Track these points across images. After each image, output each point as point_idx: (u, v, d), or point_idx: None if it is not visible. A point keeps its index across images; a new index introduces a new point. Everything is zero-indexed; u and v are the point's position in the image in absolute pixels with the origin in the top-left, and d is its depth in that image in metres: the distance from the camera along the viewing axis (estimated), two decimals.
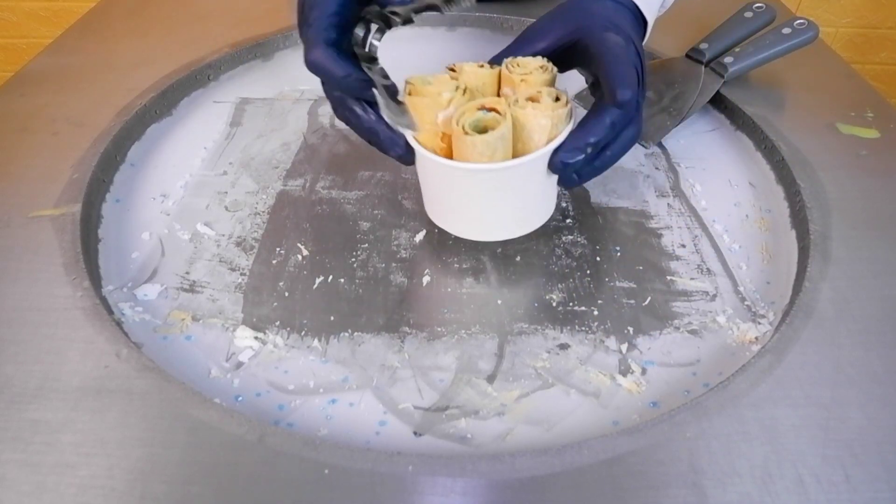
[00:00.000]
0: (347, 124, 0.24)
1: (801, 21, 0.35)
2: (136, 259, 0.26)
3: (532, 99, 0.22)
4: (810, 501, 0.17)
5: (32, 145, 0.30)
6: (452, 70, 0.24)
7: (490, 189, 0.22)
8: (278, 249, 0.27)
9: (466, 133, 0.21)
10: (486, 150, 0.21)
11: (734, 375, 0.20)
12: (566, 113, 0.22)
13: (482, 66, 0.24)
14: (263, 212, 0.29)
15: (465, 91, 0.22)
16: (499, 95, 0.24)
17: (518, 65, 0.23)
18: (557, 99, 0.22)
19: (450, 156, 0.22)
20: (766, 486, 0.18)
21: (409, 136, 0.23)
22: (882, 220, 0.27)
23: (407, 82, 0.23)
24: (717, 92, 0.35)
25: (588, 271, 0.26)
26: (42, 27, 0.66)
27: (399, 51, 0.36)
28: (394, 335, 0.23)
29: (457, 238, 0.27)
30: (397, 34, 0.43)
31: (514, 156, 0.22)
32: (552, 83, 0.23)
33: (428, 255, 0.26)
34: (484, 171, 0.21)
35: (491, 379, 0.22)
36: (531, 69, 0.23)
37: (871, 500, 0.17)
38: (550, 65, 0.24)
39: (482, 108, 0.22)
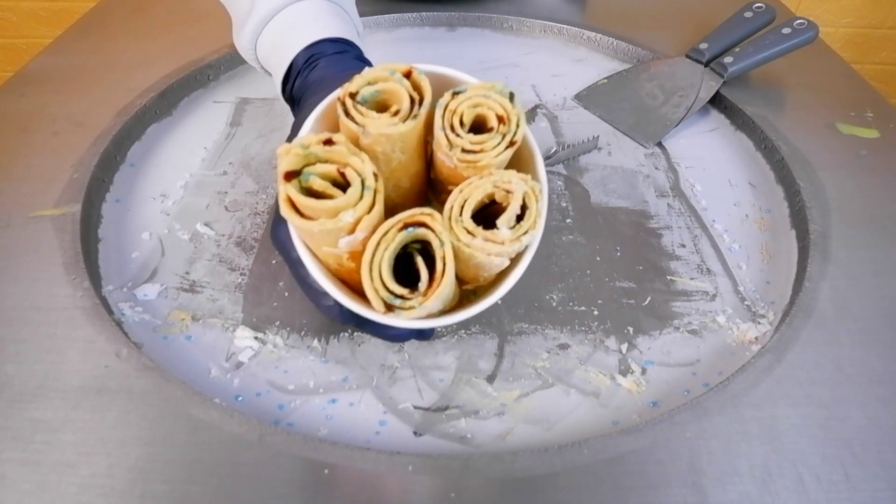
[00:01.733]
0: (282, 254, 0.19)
1: (801, 21, 0.35)
2: (136, 259, 0.26)
3: (483, 211, 0.15)
4: (810, 501, 0.17)
5: (32, 145, 0.30)
6: (351, 119, 0.15)
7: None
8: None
9: (388, 290, 0.14)
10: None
11: (734, 375, 0.20)
12: (536, 233, 0.15)
13: (395, 113, 0.15)
14: (263, 212, 0.29)
15: (374, 191, 0.14)
16: (427, 145, 0.16)
17: (460, 117, 0.15)
18: (523, 209, 0.15)
19: (351, 273, 0.16)
20: (766, 486, 0.18)
21: (327, 284, 0.16)
22: (882, 219, 0.27)
23: (282, 177, 0.14)
24: (717, 92, 0.35)
25: (588, 271, 0.26)
26: (42, 27, 0.66)
27: (399, 51, 0.36)
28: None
29: None
30: (397, 34, 0.43)
31: (459, 278, 0.16)
32: (505, 161, 0.15)
33: None
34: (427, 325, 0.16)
35: (491, 379, 0.22)
36: (481, 140, 0.15)
37: (870, 499, 0.17)
38: (509, 106, 0.15)
39: (405, 224, 0.15)
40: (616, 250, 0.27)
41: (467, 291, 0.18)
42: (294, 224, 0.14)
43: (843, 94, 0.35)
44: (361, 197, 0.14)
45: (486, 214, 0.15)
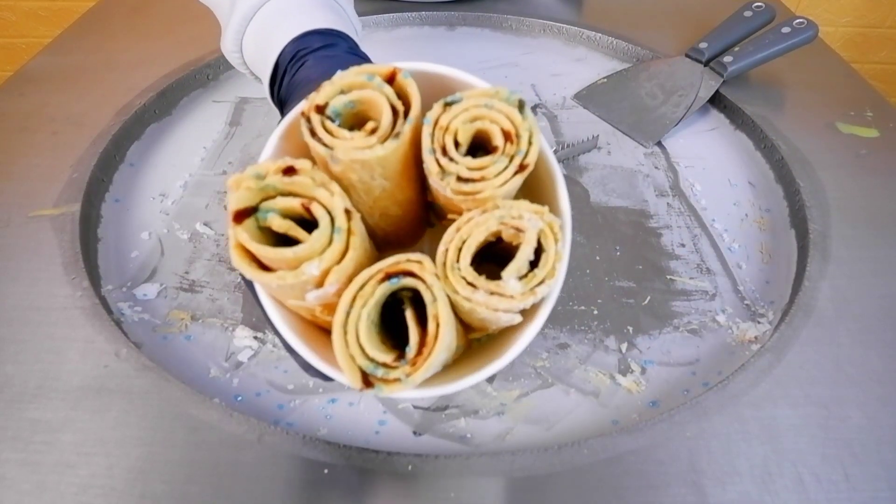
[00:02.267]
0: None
1: (801, 20, 0.35)
2: (136, 259, 0.26)
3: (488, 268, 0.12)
4: (810, 500, 0.17)
5: (32, 145, 0.30)
6: (318, 140, 0.11)
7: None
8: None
9: (368, 357, 0.11)
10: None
11: (734, 375, 0.20)
12: (554, 283, 0.12)
13: (373, 130, 0.12)
14: None
15: (347, 233, 0.11)
16: (420, 164, 0.12)
17: (454, 134, 0.12)
18: (538, 251, 0.12)
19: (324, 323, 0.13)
20: (766, 486, 0.18)
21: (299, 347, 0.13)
22: (882, 219, 0.27)
23: (231, 217, 0.11)
24: (717, 91, 0.35)
25: (587, 270, 0.26)
26: (41, 27, 0.66)
27: (398, 50, 0.36)
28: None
29: None
30: (397, 34, 0.43)
31: (464, 324, 0.13)
32: (513, 190, 0.12)
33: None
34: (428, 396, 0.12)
35: (490, 378, 0.22)
36: (480, 166, 0.12)
37: (870, 499, 0.17)
38: (518, 118, 0.12)
39: (387, 275, 0.12)
40: (616, 250, 0.27)
41: (473, 340, 0.14)
42: (249, 277, 0.11)
43: (843, 94, 0.35)
44: (330, 242, 0.11)
45: (494, 252, 0.12)
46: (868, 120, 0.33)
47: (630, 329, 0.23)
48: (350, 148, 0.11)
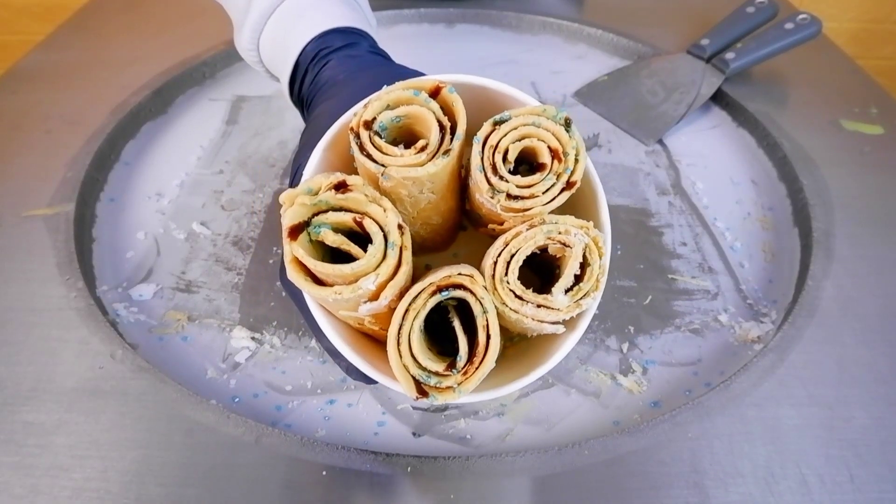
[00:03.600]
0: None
1: (804, 16, 0.34)
2: (131, 259, 0.26)
3: (532, 283, 0.12)
4: (814, 502, 0.17)
5: (25, 144, 0.29)
6: (368, 157, 0.12)
7: None
8: (275, 249, 0.26)
9: (420, 366, 0.12)
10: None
11: (736, 375, 0.20)
12: (598, 295, 0.12)
13: (422, 148, 0.12)
14: (260, 211, 0.28)
15: (401, 247, 0.12)
16: (460, 174, 0.13)
17: (504, 151, 0.12)
18: (584, 266, 0.12)
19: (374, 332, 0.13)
20: (769, 487, 0.17)
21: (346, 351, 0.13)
22: (886, 217, 0.26)
23: (287, 234, 0.11)
24: (719, 88, 0.34)
25: None
26: (35, 23, 0.65)
27: (398, 48, 0.36)
28: None
29: None
30: (396, 31, 0.43)
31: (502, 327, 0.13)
32: (555, 209, 0.12)
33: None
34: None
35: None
36: (530, 184, 0.12)
37: (875, 500, 0.17)
38: (565, 137, 0.12)
39: (438, 288, 0.12)
40: (616, 249, 0.27)
41: (508, 341, 0.15)
42: (305, 291, 0.12)
43: (847, 91, 0.34)
44: (384, 257, 0.11)
45: (537, 263, 0.13)
46: (873, 117, 0.32)
47: (631, 329, 0.23)
48: (402, 166, 0.12)
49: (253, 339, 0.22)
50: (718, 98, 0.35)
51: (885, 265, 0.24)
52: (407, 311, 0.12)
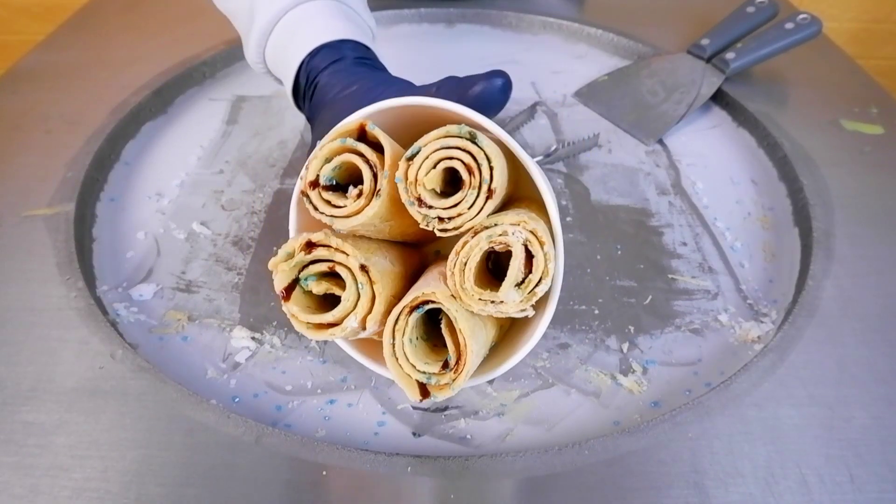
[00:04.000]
0: None
1: (804, 16, 0.34)
2: (131, 259, 0.26)
3: (482, 282, 0.14)
4: (814, 502, 0.17)
5: (25, 144, 0.29)
6: (321, 213, 0.14)
7: None
8: (275, 248, 0.26)
9: (419, 371, 0.14)
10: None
11: (736, 375, 0.20)
12: (552, 278, 0.14)
13: (359, 195, 0.14)
14: (260, 210, 0.28)
15: (370, 282, 0.14)
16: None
17: (424, 186, 0.14)
18: (531, 254, 0.13)
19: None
20: (770, 487, 0.17)
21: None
22: (886, 217, 0.26)
23: (281, 298, 0.14)
24: (719, 88, 0.34)
25: (588, 270, 0.26)
26: (35, 23, 0.65)
27: (397, 49, 0.36)
28: None
29: None
30: (396, 31, 0.43)
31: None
32: (503, 185, 0.14)
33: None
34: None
35: (490, 379, 0.21)
36: (456, 202, 0.13)
37: (876, 501, 0.17)
38: (488, 166, 0.13)
39: (411, 309, 0.14)
40: (617, 249, 0.27)
41: (502, 322, 0.17)
42: (313, 338, 0.14)
43: (847, 90, 0.34)
44: (359, 295, 0.13)
45: (501, 262, 0.14)
46: (873, 117, 0.32)
47: (631, 329, 0.23)
48: (345, 217, 0.14)
49: (253, 339, 0.22)
50: (718, 98, 0.35)
51: (885, 265, 0.24)
52: (394, 331, 0.14)
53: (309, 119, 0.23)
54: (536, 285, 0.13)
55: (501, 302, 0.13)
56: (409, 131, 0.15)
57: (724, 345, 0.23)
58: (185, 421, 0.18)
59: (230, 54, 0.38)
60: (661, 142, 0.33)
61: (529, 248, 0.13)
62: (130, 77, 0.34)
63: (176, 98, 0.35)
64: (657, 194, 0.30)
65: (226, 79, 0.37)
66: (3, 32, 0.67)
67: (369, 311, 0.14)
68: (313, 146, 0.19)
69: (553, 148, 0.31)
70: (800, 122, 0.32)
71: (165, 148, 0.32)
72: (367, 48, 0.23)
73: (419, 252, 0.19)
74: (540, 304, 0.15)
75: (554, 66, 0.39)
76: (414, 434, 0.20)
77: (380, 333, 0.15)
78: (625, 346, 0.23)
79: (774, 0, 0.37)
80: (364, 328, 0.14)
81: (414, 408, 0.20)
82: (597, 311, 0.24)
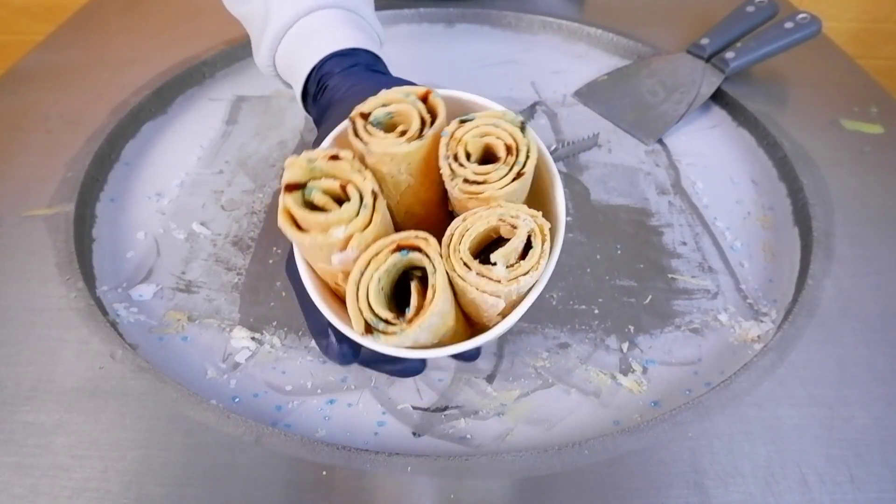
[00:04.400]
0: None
1: (804, 15, 0.34)
2: (131, 259, 0.26)
3: (480, 247, 0.14)
4: (814, 502, 0.17)
5: (25, 144, 0.29)
6: (359, 138, 0.14)
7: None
8: (275, 249, 0.26)
9: (380, 320, 0.13)
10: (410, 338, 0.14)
11: (736, 374, 0.20)
12: (538, 275, 0.14)
13: (403, 132, 0.14)
14: (260, 211, 0.28)
15: (372, 210, 0.14)
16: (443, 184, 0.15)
17: (465, 147, 0.14)
18: (528, 246, 0.14)
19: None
20: (769, 486, 0.17)
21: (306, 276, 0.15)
22: (886, 216, 0.26)
23: (284, 188, 0.14)
24: (719, 88, 0.34)
25: (588, 269, 0.26)
26: (34, 23, 0.65)
27: (397, 49, 0.36)
28: None
29: None
30: (395, 31, 0.43)
31: (466, 315, 0.15)
32: (523, 193, 0.15)
33: None
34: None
35: (490, 378, 0.21)
36: (485, 171, 0.14)
37: (875, 500, 0.17)
38: (519, 136, 0.14)
39: (398, 248, 0.14)
40: (616, 248, 0.27)
41: (475, 332, 0.16)
42: (288, 235, 0.14)
43: (847, 90, 0.34)
44: (357, 214, 0.13)
45: (498, 249, 0.14)
46: (873, 116, 0.32)
47: (631, 328, 0.23)
48: (383, 143, 0.14)
49: (253, 339, 0.22)
50: (718, 98, 0.35)
51: (886, 264, 0.24)
52: (369, 262, 0.14)
53: (316, 122, 0.23)
54: (524, 274, 0.14)
55: (482, 275, 0.14)
56: (431, 163, 0.16)
57: (724, 344, 0.23)
58: (185, 421, 0.18)
59: (230, 54, 0.37)
60: (660, 141, 0.33)
61: (532, 239, 0.14)
62: (130, 77, 0.34)
63: (176, 98, 0.35)
64: (657, 194, 0.30)
65: (226, 79, 0.37)
66: (3, 32, 0.67)
67: (360, 231, 0.13)
68: (317, 144, 0.20)
69: (553, 148, 0.31)
70: (800, 122, 0.32)
71: (165, 148, 0.32)
72: (377, 57, 0.24)
73: None
74: (513, 305, 0.15)
75: (554, 66, 0.39)
76: (414, 434, 0.20)
77: (347, 276, 0.14)
78: (625, 346, 0.23)
79: (774, 0, 0.36)
80: (344, 248, 0.13)
81: (414, 408, 0.20)
82: (597, 311, 0.24)
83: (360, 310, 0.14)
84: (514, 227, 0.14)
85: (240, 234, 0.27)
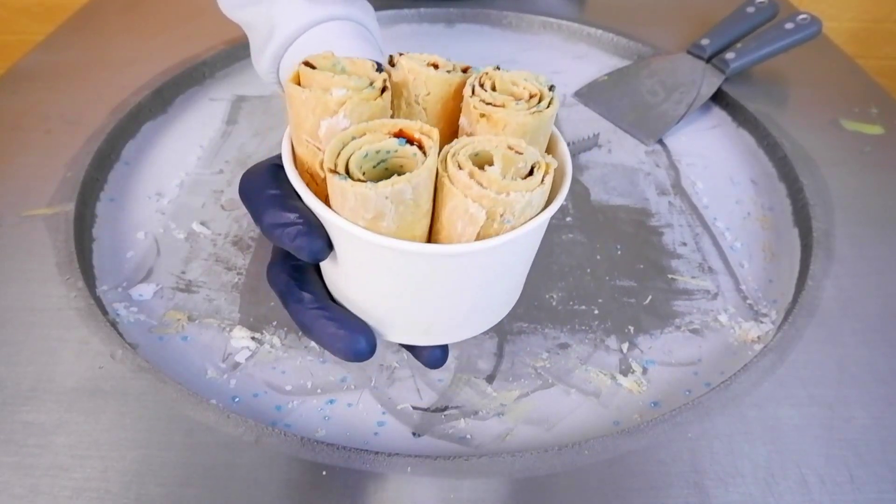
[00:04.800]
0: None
1: (804, 16, 0.34)
2: (131, 258, 0.26)
3: (479, 160, 0.13)
4: (814, 502, 0.17)
5: (25, 144, 0.29)
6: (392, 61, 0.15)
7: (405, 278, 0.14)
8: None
9: (347, 175, 0.12)
10: (369, 209, 0.12)
11: (736, 375, 0.20)
12: (530, 201, 0.13)
13: (437, 66, 0.15)
14: None
15: (381, 92, 0.13)
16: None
17: (493, 82, 0.15)
18: (531, 173, 0.13)
19: (323, 195, 0.14)
20: (769, 487, 0.17)
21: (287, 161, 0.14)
22: (886, 217, 0.26)
23: (304, 63, 0.14)
24: (719, 88, 0.34)
25: (588, 270, 0.26)
26: (34, 23, 0.65)
27: (397, 49, 0.36)
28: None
29: None
30: (394, 32, 0.43)
31: (431, 231, 0.14)
32: (539, 130, 0.14)
33: None
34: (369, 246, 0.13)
35: (490, 379, 0.21)
36: (505, 97, 0.14)
37: (875, 501, 0.17)
38: (546, 91, 0.14)
39: (395, 134, 0.13)
40: (616, 249, 0.27)
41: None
42: (287, 92, 0.13)
43: (847, 90, 0.34)
44: (363, 89, 0.13)
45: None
46: (873, 117, 0.32)
47: (631, 329, 0.23)
48: (412, 61, 0.15)
49: (253, 338, 0.22)
50: (718, 98, 0.35)
51: (886, 265, 0.24)
52: (363, 135, 0.13)
53: None
54: (518, 190, 0.13)
55: (473, 177, 0.13)
56: (447, 108, 0.15)
57: (724, 345, 0.23)
58: (185, 421, 0.18)
59: (230, 54, 0.37)
60: (660, 142, 0.33)
61: (535, 169, 0.13)
62: (130, 77, 0.34)
63: (176, 98, 0.35)
64: (657, 194, 0.30)
65: (226, 79, 0.37)
66: (3, 32, 0.67)
67: (359, 99, 0.13)
68: None
69: None
70: (800, 122, 0.32)
71: (165, 148, 0.32)
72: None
73: None
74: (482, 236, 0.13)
75: (554, 66, 0.39)
76: (414, 434, 0.20)
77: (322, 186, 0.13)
78: (625, 346, 0.23)
79: (774, 0, 0.36)
80: (337, 110, 0.13)
81: (414, 408, 0.20)
82: (597, 311, 0.24)
83: (336, 153, 0.13)
84: (520, 152, 0.13)
85: (240, 233, 0.27)
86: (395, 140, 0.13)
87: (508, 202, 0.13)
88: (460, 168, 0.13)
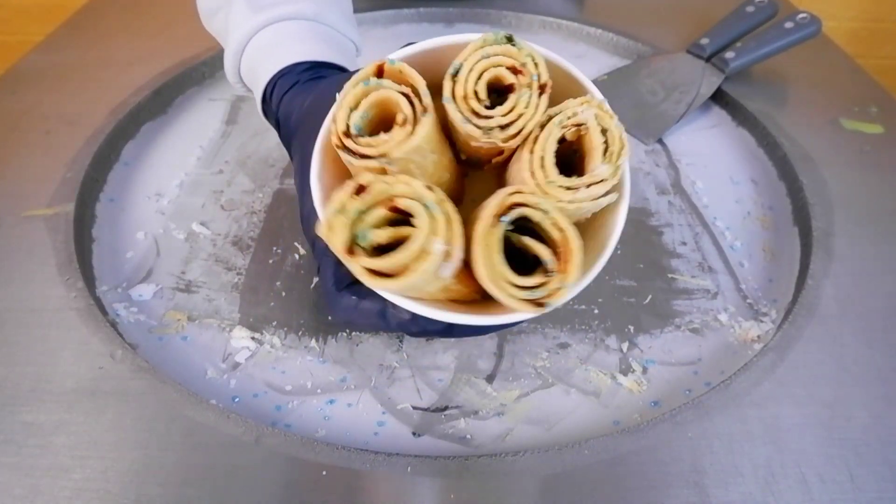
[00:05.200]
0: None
1: (804, 15, 0.34)
2: (131, 259, 0.26)
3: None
4: (814, 501, 0.17)
5: (25, 144, 0.29)
6: (365, 157, 0.13)
7: None
8: (275, 249, 0.26)
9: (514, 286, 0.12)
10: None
11: (736, 374, 0.20)
12: (626, 151, 0.13)
13: (403, 122, 0.13)
14: (260, 210, 0.28)
15: (441, 204, 0.12)
16: (445, 129, 0.14)
17: (476, 96, 0.13)
18: (603, 132, 0.13)
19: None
20: (769, 486, 0.17)
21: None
22: (886, 216, 0.26)
23: (346, 255, 0.12)
24: (719, 88, 0.34)
25: None
26: (34, 24, 0.65)
27: (396, 49, 0.35)
28: (392, 334, 0.23)
29: None
30: (394, 31, 0.43)
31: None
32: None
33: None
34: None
35: (490, 378, 0.21)
36: (512, 106, 0.13)
37: (875, 500, 0.17)
38: (533, 63, 0.13)
39: (507, 207, 0.13)
40: (616, 248, 0.26)
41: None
42: (394, 290, 0.12)
43: (847, 90, 0.34)
44: (433, 217, 0.12)
45: (560, 161, 0.13)
46: (873, 116, 0.32)
47: (631, 328, 0.23)
48: (400, 144, 0.12)
49: (253, 339, 0.22)
50: (718, 97, 0.35)
51: (886, 264, 0.24)
52: (486, 246, 0.12)
53: (287, 147, 0.22)
54: (619, 157, 0.13)
55: (591, 185, 0.12)
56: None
57: (724, 344, 0.23)
58: (185, 421, 0.18)
59: None
60: (660, 141, 0.33)
61: (602, 123, 0.13)
62: (130, 77, 0.34)
63: (175, 98, 0.35)
64: (657, 194, 0.30)
65: (225, 79, 0.37)
66: (3, 32, 0.67)
67: (448, 230, 0.12)
68: (296, 171, 0.18)
69: None
70: (799, 122, 0.32)
71: (165, 148, 0.32)
72: (344, 69, 0.22)
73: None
74: (615, 189, 0.13)
75: None
76: (414, 434, 0.20)
77: (462, 278, 0.12)
78: (625, 346, 0.23)
79: (774, 0, 0.36)
80: (450, 256, 0.12)
81: (414, 407, 0.20)
82: (596, 311, 0.24)
83: (512, 296, 0.12)
84: (580, 123, 0.13)
85: (240, 234, 0.27)
86: (503, 222, 0.12)
87: (621, 168, 0.13)
88: (573, 189, 0.13)
